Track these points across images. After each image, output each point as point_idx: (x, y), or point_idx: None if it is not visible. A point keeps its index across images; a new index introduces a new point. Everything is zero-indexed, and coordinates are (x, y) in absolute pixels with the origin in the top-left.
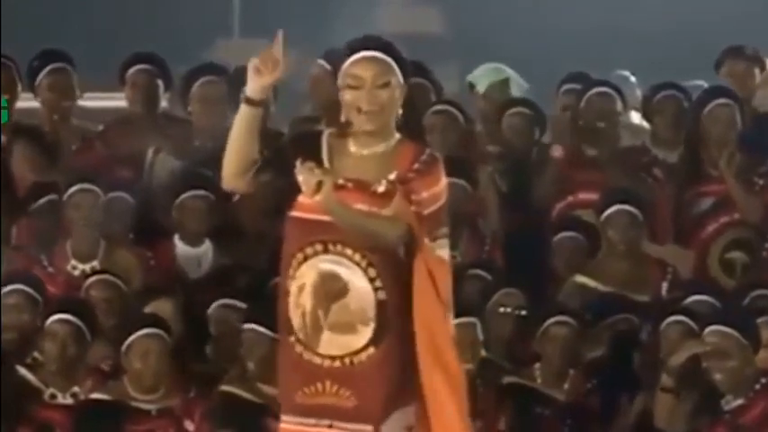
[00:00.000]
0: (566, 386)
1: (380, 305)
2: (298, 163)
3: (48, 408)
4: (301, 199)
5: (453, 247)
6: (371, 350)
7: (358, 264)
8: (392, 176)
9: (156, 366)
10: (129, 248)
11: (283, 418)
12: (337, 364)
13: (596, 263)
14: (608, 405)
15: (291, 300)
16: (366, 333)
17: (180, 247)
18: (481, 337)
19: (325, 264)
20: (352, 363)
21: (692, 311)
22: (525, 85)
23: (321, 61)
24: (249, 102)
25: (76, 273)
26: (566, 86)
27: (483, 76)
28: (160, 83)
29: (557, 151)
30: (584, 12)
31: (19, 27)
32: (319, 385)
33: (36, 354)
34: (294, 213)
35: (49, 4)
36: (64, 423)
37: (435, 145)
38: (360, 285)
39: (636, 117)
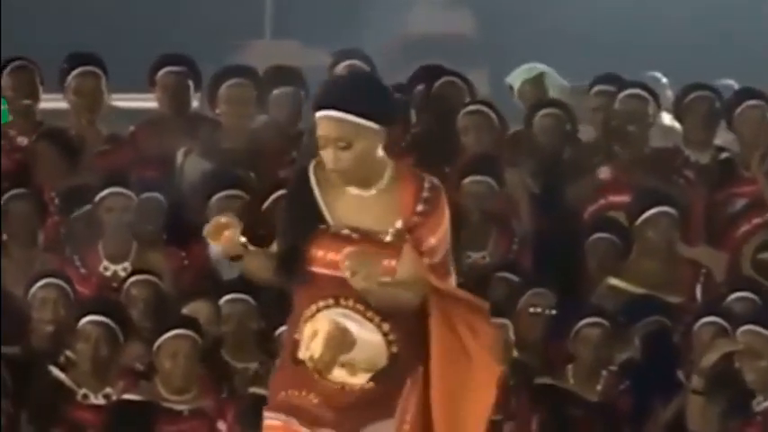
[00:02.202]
0: (598, 387)
1: (393, 357)
2: (344, 252)
3: (80, 408)
4: (311, 252)
5: (482, 247)
6: (370, 384)
7: (371, 320)
8: (399, 224)
9: (185, 367)
10: (161, 249)
11: (266, 414)
12: (336, 386)
13: (629, 264)
14: (640, 406)
15: (304, 340)
16: (367, 376)
17: (213, 247)
18: (513, 338)
19: (339, 317)
20: (342, 388)
21: (726, 313)
22: (565, 84)
23: (355, 61)
24: (232, 259)
25: (108, 273)
26: (597, 87)
27: (517, 76)
28: (190, 84)
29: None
30: (615, 13)
31: (49, 29)
32: (304, 392)
33: (69, 353)
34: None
35: (80, 4)
36: (96, 423)
37: (470, 145)
38: (371, 339)
39: (667, 118)
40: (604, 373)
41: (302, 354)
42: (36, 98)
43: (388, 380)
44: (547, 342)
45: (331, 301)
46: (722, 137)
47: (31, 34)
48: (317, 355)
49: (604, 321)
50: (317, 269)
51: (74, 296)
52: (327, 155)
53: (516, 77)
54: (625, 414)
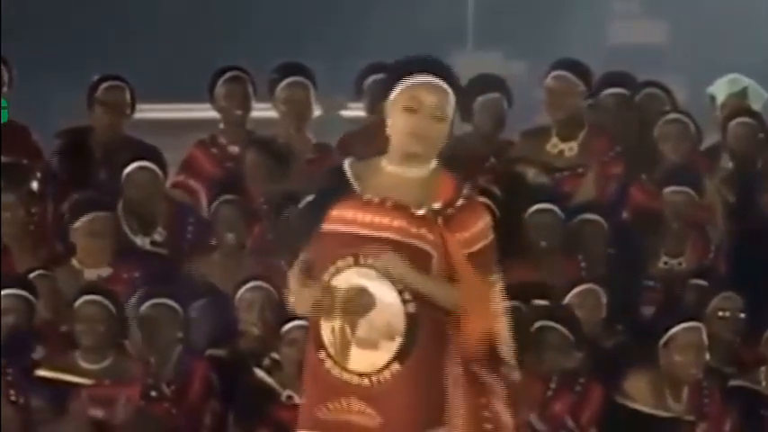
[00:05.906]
0: None
1: (410, 318)
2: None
3: (285, 408)
4: (334, 213)
5: (679, 254)
6: (396, 366)
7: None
8: (436, 205)
9: None
10: None
11: None
12: (366, 381)
13: None
14: None
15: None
16: (390, 348)
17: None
18: (706, 341)
19: (355, 277)
20: (378, 381)
21: None
22: (765, 95)
23: (562, 72)
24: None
25: None
26: None
27: (721, 88)
28: None
29: None
30: None
31: (264, 42)
32: (344, 402)
33: (274, 355)
34: (327, 227)
35: (293, 19)
36: None
37: (667, 153)
38: (388, 299)
39: None
40: None
41: (323, 326)
42: (248, 108)
43: (414, 358)
44: (740, 345)
45: (351, 260)
46: None
47: (241, 44)
48: (337, 322)
49: None
50: (339, 228)
51: (279, 299)
52: (416, 121)
53: (720, 90)
54: None
